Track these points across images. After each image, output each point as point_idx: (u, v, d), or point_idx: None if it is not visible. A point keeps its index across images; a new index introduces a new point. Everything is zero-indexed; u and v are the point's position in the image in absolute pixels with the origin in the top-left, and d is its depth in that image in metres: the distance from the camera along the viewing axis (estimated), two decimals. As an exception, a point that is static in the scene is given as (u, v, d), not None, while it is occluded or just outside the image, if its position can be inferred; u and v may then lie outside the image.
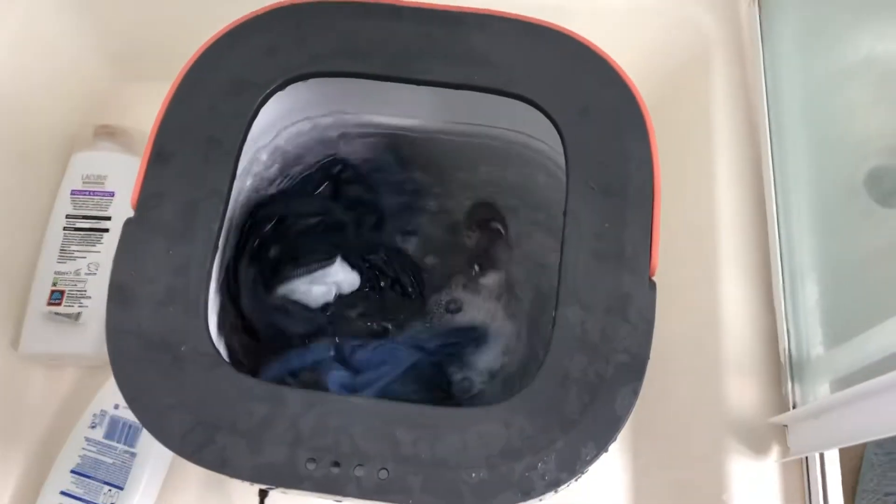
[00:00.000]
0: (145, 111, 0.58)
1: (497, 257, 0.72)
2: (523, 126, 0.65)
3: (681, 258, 0.71)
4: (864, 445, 0.98)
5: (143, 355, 0.49)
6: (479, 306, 0.70)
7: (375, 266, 0.69)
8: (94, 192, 0.82)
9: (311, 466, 0.46)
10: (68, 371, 0.80)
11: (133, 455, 0.72)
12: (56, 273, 0.79)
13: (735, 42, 0.79)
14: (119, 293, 0.50)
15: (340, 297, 0.67)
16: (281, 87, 0.56)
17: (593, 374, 0.48)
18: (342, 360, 0.62)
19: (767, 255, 0.72)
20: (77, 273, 0.79)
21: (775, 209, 0.73)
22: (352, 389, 0.59)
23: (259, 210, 0.65)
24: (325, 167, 0.69)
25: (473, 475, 0.46)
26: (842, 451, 0.64)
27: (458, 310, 0.70)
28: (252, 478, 0.46)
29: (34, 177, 0.83)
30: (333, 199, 0.70)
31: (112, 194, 0.82)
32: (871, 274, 0.66)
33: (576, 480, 0.47)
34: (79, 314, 0.77)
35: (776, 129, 0.76)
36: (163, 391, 0.48)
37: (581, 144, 0.53)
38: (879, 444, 0.98)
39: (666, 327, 0.69)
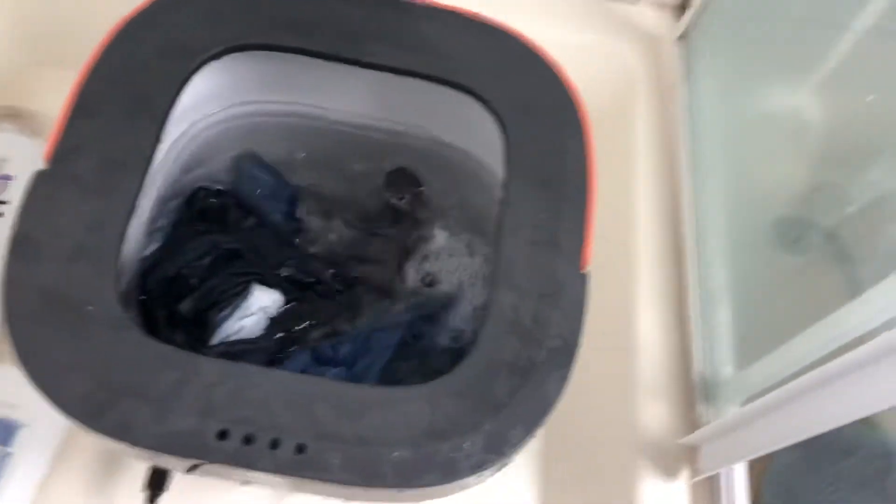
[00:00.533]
0: (56, 97, 0.53)
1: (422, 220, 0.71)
2: (453, 134, 0.65)
3: (600, 284, 0.72)
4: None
5: (43, 312, 0.45)
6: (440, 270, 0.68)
7: (291, 278, 0.66)
8: (-10, 175, 0.77)
9: (222, 438, 0.43)
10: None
11: (9, 455, 0.66)
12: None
13: (660, 79, 0.82)
14: (22, 245, 0.46)
15: (275, 320, 0.64)
16: (218, 55, 0.54)
17: (525, 358, 0.47)
18: (328, 361, 0.59)
19: (683, 284, 0.73)
20: (-37, 258, 0.72)
21: (692, 240, 0.75)
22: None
23: (150, 274, 0.61)
24: (190, 199, 0.66)
25: (396, 454, 0.43)
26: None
27: (432, 283, 0.68)
28: (156, 446, 0.42)
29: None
30: (213, 231, 0.66)
31: (10, 178, 0.77)
32: (776, 303, 0.68)
33: (504, 466, 0.46)
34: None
35: (696, 164, 0.79)
36: (62, 351, 0.44)
37: (521, 139, 0.53)
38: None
39: (582, 350, 0.70)
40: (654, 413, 0.69)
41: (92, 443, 0.68)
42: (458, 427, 0.45)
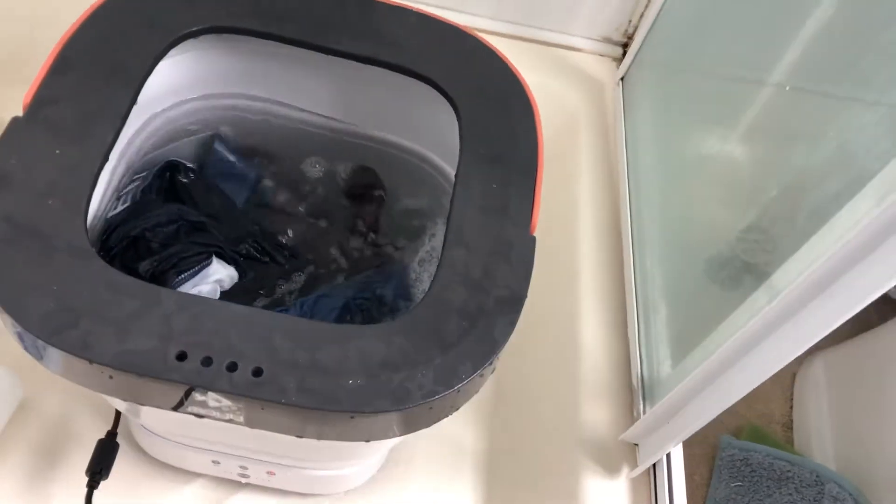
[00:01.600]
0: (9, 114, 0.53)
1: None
2: (415, 137, 0.69)
3: (545, 294, 0.75)
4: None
5: (10, 238, 0.46)
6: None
7: (248, 255, 0.68)
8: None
9: (181, 359, 0.44)
10: None
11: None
12: None
13: (603, 119, 0.88)
14: (-5, 178, 0.48)
15: (227, 293, 0.65)
16: (193, 35, 0.58)
17: (474, 305, 0.49)
18: None
19: (623, 293, 0.77)
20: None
21: (631, 258, 0.79)
22: None
23: (113, 232, 0.63)
24: (161, 172, 0.69)
25: (351, 381, 0.45)
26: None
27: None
28: (115, 363, 0.43)
29: None
30: (182, 202, 0.69)
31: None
32: (707, 310, 0.72)
33: (452, 410, 0.47)
34: None
35: (635, 196, 0.85)
36: (27, 274, 0.45)
37: (474, 120, 0.58)
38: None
39: (528, 357, 0.73)
40: (597, 413, 0.71)
41: (28, 437, 0.67)
42: (410, 361, 0.46)
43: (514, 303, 0.50)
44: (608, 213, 0.84)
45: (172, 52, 0.57)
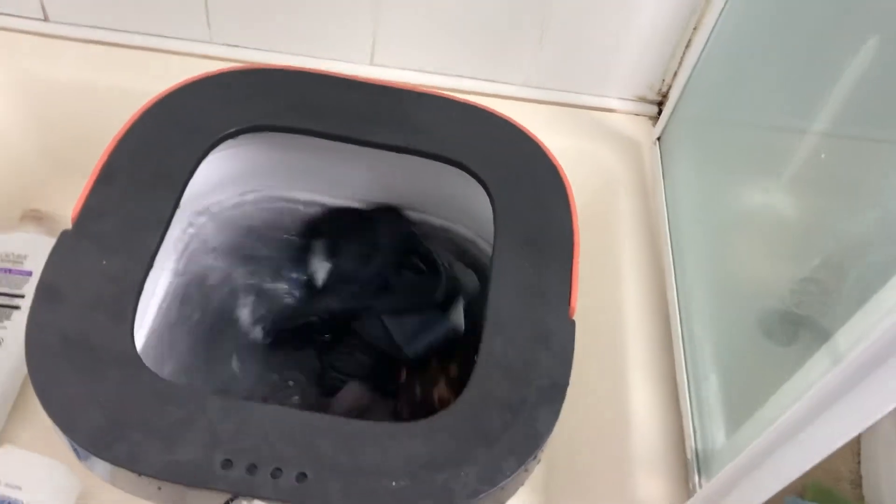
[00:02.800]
0: (73, 201, 0.57)
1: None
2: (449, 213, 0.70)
3: (592, 366, 0.74)
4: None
5: (61, 352, 0.47)
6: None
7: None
8: (11, 270, 0.81)
9: (226, 467, 0.45)
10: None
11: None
12: (-45, 348, 0.75)
13: (641, 180, 0.88)
14: (46, 293, 0.50)
15: None
16: (233, 135, 0.59)
17: (516, 396, 0.49)
18: None
19: (672, 361, 0.76)
20: (-19, 348, 0.76)
21: (679, 326, 0.78)
22: None
23: None
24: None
25: (395, 483, 0.45)
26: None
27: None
28: (163, 475, 0.44)
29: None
30: None
31: (30, 273, 0.81)
32: (762, 374, 0.70)
33: (497, 495, 0.47)
34: (-27, 389, 0.73)
35: (679, 258, 0.83)
36: (77, 387, 0.46)
37: (507, 204, 0.58)
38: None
39: (577, 432, 0.72)
40: (651, 488, 0.69)
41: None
42: (453, 459, 0.46)
43: (556, 392, 0.50)
44: (652, 278, 0.83)
45: (213, 152, 0.59)
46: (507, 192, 0.59)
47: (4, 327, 0.77)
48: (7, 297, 0.79)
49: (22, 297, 0.79)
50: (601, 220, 0.89)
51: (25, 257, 0.82)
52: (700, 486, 0.68)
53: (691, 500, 0.66)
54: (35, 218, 0.85)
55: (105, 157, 0.56)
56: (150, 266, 0.52)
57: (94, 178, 0.55)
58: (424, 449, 0.47)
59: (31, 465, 0.69)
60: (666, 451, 0.71)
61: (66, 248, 0.52)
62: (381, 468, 0.46)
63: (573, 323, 0.53)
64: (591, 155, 0.91)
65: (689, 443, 0.71)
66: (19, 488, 0.68)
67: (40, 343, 0.47)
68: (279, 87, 0.62)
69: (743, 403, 0.67)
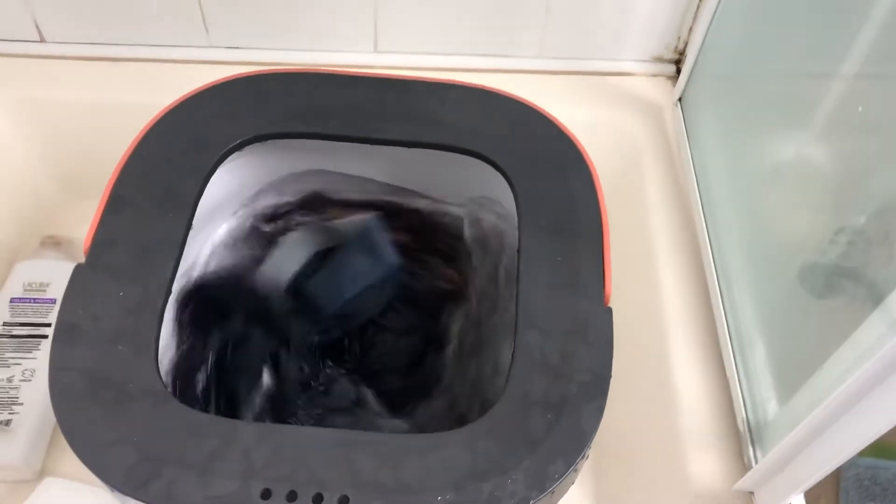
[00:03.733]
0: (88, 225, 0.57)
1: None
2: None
3: (632, 344, 0.72)
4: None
5: (86, 392, 0.46)
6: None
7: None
8: (35, 299, 0.80)
9: (266, 497, 0.43)
10: (-12, 488, 0.74)
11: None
12: (-13, 381, 0.75)
13: (665, 143, 0.85)
14: (65, 332, 0.48)
15: None
16: (238, 147, 0.57)
17: (556, 394, 0.47)
18: None
19: (715, 330, 0.73)
20: (10, 380, 0.75)
21: (718, 290, 0.75)
22: None
23: None
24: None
25: (440, 498, 0.43)
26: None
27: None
28: (201, 511, 0.43)
29: (-29, 288, 0.81)
30: None
31: (54, 301, 0.80)
32: (810, 336, 0.68)
33: (547, 500, 0.45)
34: (9, 421, 0.73)
35: (711, 221, 0.80)
36: (105, 427, 0.45)
37: (529, 190, 0.56)
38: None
39: (622, 408, 0.69)
40: (703, 462, 0.67)
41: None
42: (498, 467, 0.45)
43: (598, 386, 0.48)
44: (685, 245, 0.80)
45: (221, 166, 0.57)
46: (528, 178, 0.56)
47: (34, 357, 0.77)
48: (34, 327, 0.79)
49: (48, 325, 0.79)
50: (627, 189, 0.86)
51: (48, 285, 0.82)
52: (755, 458, 0.66)
53: (749, 474, 0.64)
54: (54, 244, 0.84)
55: (111, 184, 0.54)
56: (168, 293, 0.51)
57: (102, 206, 0.53)
58: (468, 458, 0.45)
59: (76, 495, 0.69)
60: (716, 425, 0.69)
61: (81, 282, 0.50)
62: (425, 483, 0.44)
63: (609, 310, 0.51)
64: (611, 122, 0.88)
65: (740, 414, 0.68)
66: (67, 519, 0.68)
67: (64, 385, 0.46)
68: (283, 92, 0.60)
69: (794, 370, 0.65)
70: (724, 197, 0.82)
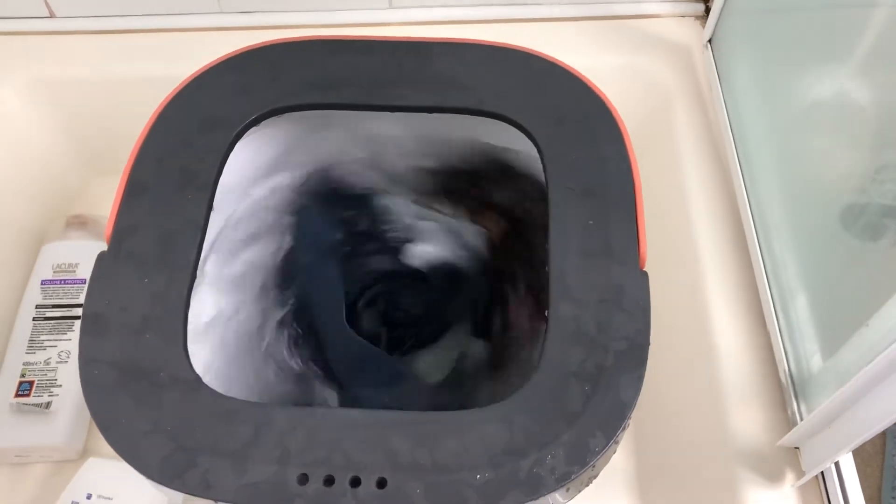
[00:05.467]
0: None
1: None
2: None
3: (667, 295, 0.70)
4: (884, 456, 0.93)
5: (117, 383, 0.46)
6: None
7: None
8: (65, 280, 0.80)
9: (302, 482, 0.43)
10: (35, 468, 0.75)
11: (106, 546, 0.67)
12: (25, 364, 0.76)
13: (695, 89, 0.81)
14: (92, 323, 0.48)
15: None
16: (255, 122, 0.56)
17: (592, 364, 0.46)
18: None
19: (754, 282, 0.71)
20: (47, 362, 0.76)
21: (756, 239, 0.73)
22: None
23: None
24: None
25: (478, 476, 0.43)
26: (861, 468, 0.62)
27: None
28: (239, 499, 0.42)
29: (2, 271, 0.81)
30: None
31: (83, 281, 0.80)
32: (855, 284, 0.65)
33: (590, 481, 0.44)
34: (49, 403, 0.73)
35: (747, 165, 0.78)
36: (138, 418, 0.45)
37: (557, 152, 0.54)
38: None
39: (660, 365, 0.68)
40: (746, 418, 0.66)
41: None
42: (536, 442, 0.44)
43: (636, 354, 0.46)
44: (720, 194, 0.77)
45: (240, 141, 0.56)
46: (556, 139, 0.54)
47: (69, 339, 0.77)
48: (66, 308, 0.79)
49: (80, 306, 0.79)
50: (656, 138, 0.83)
51: (77, 265, 0.82)
52: (800, 413, 0.64)
53: (794, 430, 0.62)
54: (80, 223, 0.84)
55: (128, 169, 0.53)
56: (193, 277, 0.50)
57: (120, 192, 0.52)
58: (505, 434, 0.44)
59: (120, 474, 0.70)
60: (757, 378, 0.68)
61: (105, 271, 0.50)
62: (463, 462, 0.43)
63: (645, 275, 0.49)
64: (637, 69, 0.84)
65: (782, 367, 0.67)
66: (111, 499, 0.69)
67: (94, 378, 0.46)
68: (297, 61, 0.58)
69: (839, 321, 0.63)
70: (761, 141, 0.79)
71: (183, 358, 0.47)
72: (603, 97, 0.55)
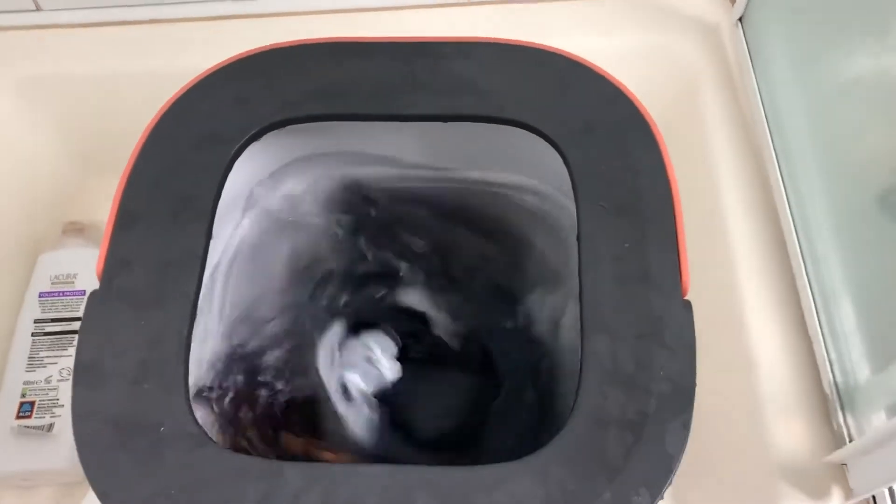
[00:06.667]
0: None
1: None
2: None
3: (702, 299, 0.66)
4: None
5: (115, 442, 0.42)
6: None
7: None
8: (64, 292, 0.77)
9: (319, 552, 0.39)
10: (42, 492, 0.72)
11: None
12: (25, 383, 0.72)
13: (724, 70, 0.76)
14: (85, 374, 0.44)
15: None
16: (255, 137, 0.51)
17: (633, 409, 0.42)
18: None
19: (794, 284, 0.67)
20: (48, 381, 0.72)
21: (794, 234, 0.68)
22: None
23: None
24: None
25: (512, 542, 0.39)
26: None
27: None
28: (251, 573, 0.39)
29: (-2, 283, 0.77)
30: None
31: (83, 293, 0.77)
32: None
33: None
34: (51, 425, 0.70)
35: (782, 153, 0.73)
36: (140, 481, 0.41)
37: (586, 164, 0.49)
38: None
39: (698, 370, 0.64)
40: (789, 432, 0.62)
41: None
42: (574, 501, 0.40)
43: (681, 398, 0.42)
44: (754, 184, 0.72)
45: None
46: (584, 149, 0.49)
47: (70, 355, 0.74)
48: (66, 322, 0.76)
49: (80, 319, 0.75)
50: (683, 123, 0.78)
51: (76, 276, 0.78)
52: (846, 426, 0.60)
53: (844, 448, 0.58)
54: (76, 231, 0.80)
55: (118, 196, 0.49)
56: (193, 315, 0.46)
57: (111, 222, 0.48)
58: (540, 492, 0.40)
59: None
60: (800, 388, 0.63)
61: (97, 313, 0.46)
62: (494, 525, 0.39)
63: (689, 305, 0.44)
64: (663, 50, 0.79)
65: (826, 377, 0.62)
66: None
67: (90, 436, 0.42)
68: (296, 68, 0.53)
69: (890, 329, 0.58)
70: (798, 126, 0.73)
71: (185, 409, 0.43)
72: (636, 101, 0.50)
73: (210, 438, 0.43)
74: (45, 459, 0.69)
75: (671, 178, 0.47)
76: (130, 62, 0.80)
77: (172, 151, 0.50)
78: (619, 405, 0.42)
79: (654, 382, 0.42)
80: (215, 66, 0.53)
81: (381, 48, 0.53)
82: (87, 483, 0.42)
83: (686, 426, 0.41)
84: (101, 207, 0.82)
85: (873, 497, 0.58)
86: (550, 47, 0.52)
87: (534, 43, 0.52)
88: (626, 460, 0.40)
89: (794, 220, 0.69)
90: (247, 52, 0.53)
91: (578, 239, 0.47)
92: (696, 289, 0.63)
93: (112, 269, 0.47)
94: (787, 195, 0.70)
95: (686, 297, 0.45)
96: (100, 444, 0.42)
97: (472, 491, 0.40)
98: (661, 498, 0.40)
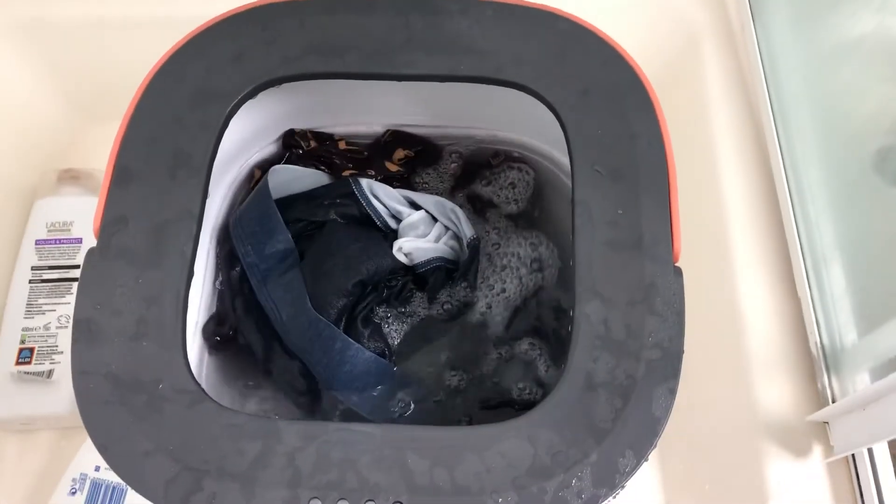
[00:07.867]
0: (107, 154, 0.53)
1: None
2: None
3: (693, 256, 0.66)
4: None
5: (114, 397, 0.43)
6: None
7: None
8: (60, 240, 0.77)
9: (315, 507, 0.40)
10: (42, 435, 0.73)
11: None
12: (24, 329, 0.73)
13: (725, 27, 0.75)
14: (84, 331, 0.44)
15: None
16: (251, 94, 0.51)
17: (623, 374, 0.43)
18: None
19: (785, 245, 0.67)
20: (47, 328, 0.73)
21: (788, 196, 0.68)
22: None
23: None
24: None
25: (500, 500, 0.40)
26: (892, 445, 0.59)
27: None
28: (248, 526, 0.40)
29: (-7, 230, 0.78)
30: None
31: (80, 241, 0.77)
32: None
33: (615, 496, 0.42)
34: (51, 371, 0.71)
35: (779, 112, 0.72)
36: (139, 436, 0.42)
37: (583, 128, 0.49)
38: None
39: (687, 329, 0.65)
40: (774, 391, 0.63)
41: None
42: (563, 461, 0.41)
43: (669, 364, 0.43)
44: (751, 143, 0.72)
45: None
46: (581, 112, 0.49)
47: (68, 302, 0.74)
48: (63, 270, 0.76)
49: (77, 267, 0.76)
50: (682, 81, 0.77)
51: (72, 223, 0.78)
52: (830, 387, 0.61)
53: (826, 408, 0.60)
54: (72, 178, 0.80)
55: (114, 154, 0.49)
56: (190, 274, 0.47)
57: (108, 180, 0.48)
58: (529, 452, 0.41)
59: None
60: (787, 348, 0.65)
61: (95, 271, 0.46)
62: (484, 483, 0.41)
63: (679, 272, 0.45)
64: (662, 4, 0.78)
65: (813, 338, 0.63)
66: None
67: (90, 392, 0.43)
68: (293, 24, 0.52)
69: (879, 296, 0.59)
70: (795, 83, 0.73)
71: (183, 366, 0.44)
72: (635, 66, 0.50)
73: (208, 395, 0.44)
74: (45, 404, 0.70)
75: (667, 144, 0.48)
76: (129, 7, 0.78)
77: (168, 107, 0.50)
78: (608, 370, 0.43)
79: (643, 348, 0.43)
80: (212, 20, 0.52)
81: (379, 3, 0.52)
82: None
83: (673, 391, 0.42)
84: (97, 155, 0.82)
85: (853, 455, 0.60)
86: (551, 7, 0.52)
87: (535, 3, 0.52)
88: (614, 423, 0.42)
89: (788, 181, 0.69)
90: (240, 7, 0.52)
91: (573, 203, 0.47)
92: (689, 246, 0.63)
93: (109, 226, 0.47)
94: (782, 154, 0.70)
95: (677, 264, 0.45)
96: (99, 400, 0.43)
97: (463, 451, 0.42)
98: (647, 460, 0.42)
